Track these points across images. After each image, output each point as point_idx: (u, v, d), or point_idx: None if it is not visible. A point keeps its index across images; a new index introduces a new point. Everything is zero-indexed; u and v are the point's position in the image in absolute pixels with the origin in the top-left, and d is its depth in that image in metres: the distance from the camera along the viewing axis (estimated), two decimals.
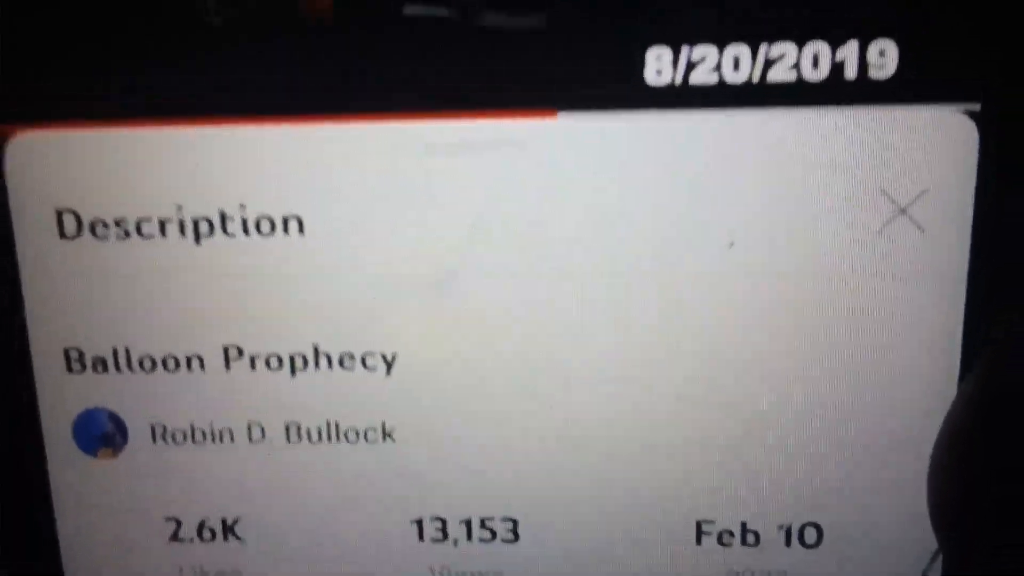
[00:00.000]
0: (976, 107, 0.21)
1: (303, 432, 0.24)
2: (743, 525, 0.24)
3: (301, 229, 0.23)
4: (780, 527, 0.24)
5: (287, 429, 0.24)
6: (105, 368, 0.24)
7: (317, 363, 0.24)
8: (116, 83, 0.22)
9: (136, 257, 0.23)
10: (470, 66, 0.21)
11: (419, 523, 0.25)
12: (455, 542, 0.25)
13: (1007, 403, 0.22)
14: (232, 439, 0.24)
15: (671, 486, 0.24)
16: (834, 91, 0.21)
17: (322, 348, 0.24)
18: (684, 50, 0.21)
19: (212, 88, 0.22)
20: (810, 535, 0.24)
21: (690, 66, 0.21)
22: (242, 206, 0.23)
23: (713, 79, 0.21)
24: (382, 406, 0.24)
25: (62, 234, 0.23)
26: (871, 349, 0.23)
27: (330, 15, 0.21)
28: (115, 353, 0.24)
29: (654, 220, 0.22)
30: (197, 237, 0.23)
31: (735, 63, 0.21)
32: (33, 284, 0.23)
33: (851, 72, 0.21)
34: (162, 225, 0.23)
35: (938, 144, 0.21)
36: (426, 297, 0.23)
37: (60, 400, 0.24)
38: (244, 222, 0.23)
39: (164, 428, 0.24)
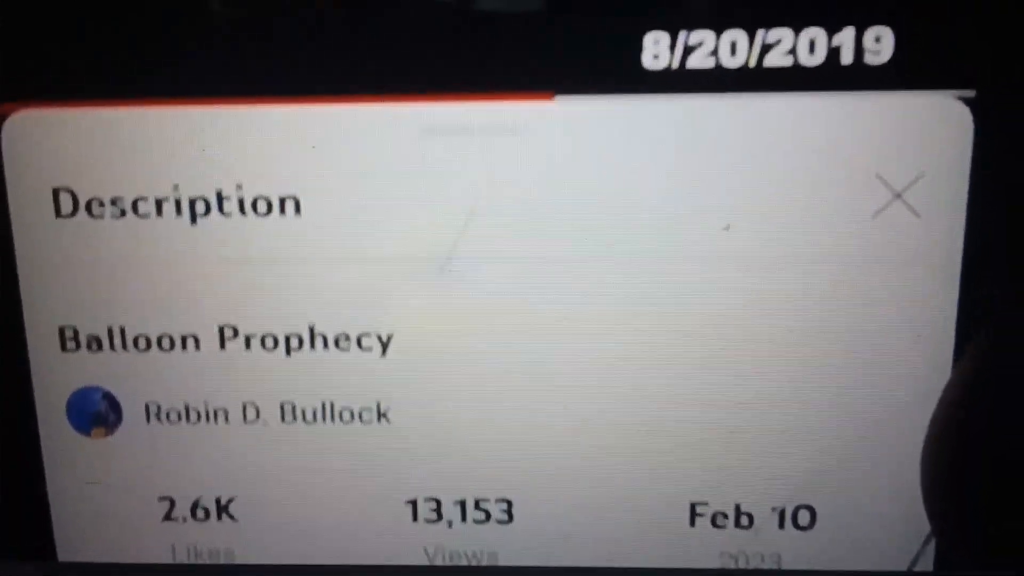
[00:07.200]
0: (971, 93, 0.21)
1: (298, 412, 0.24)
2: (737, 507, 0.24)
3: (298, 210, 0.23)
4: (774, 509, 0.24)
5: (282, 409, 0.24)
6: (100, 347, 0.24)
7: (313, 343, 0.24)
8: (115, 62, 0.22)
9: (132, 236, 0.23)
10: (468, 48, 0.21)
11: (413, 504, 0.25)
12: (449, 523, 0.25)
13: (999, 388, 0.22)
14: (227, 419, 0.24)
15: (665, 467, 0.24)
16: (830, 76, 0.21)
17: (318, 328, 0.24)
18: (681, 35, 0.21)
19: (210, 68, 0.22)
20: (803, 517, 0.24)
21: (687, 51, 0.21)
22: (239, 186, 0.23)
23: (710, 64, 0.21)
24: (377, 387, 0.24)
25: (58, 212, 0.23)
26: (865, 333, 0.23)
27: None
28: (110, 332, 0.24)
29: (650, 203, 0.22)
30: (193, 217, 0.23)
31: (732, 48, 0.21)
32: (28, 262, 0.23)
33: (847, 58, 0.21)
34: (158, 204, 0.23)
35: (933, 130, 0.21)
36: (422, 279, 0.23)
37: (54, 379, 0.24)
38: (241, 202, 0.23)
39: (158, 407, 0.24)
